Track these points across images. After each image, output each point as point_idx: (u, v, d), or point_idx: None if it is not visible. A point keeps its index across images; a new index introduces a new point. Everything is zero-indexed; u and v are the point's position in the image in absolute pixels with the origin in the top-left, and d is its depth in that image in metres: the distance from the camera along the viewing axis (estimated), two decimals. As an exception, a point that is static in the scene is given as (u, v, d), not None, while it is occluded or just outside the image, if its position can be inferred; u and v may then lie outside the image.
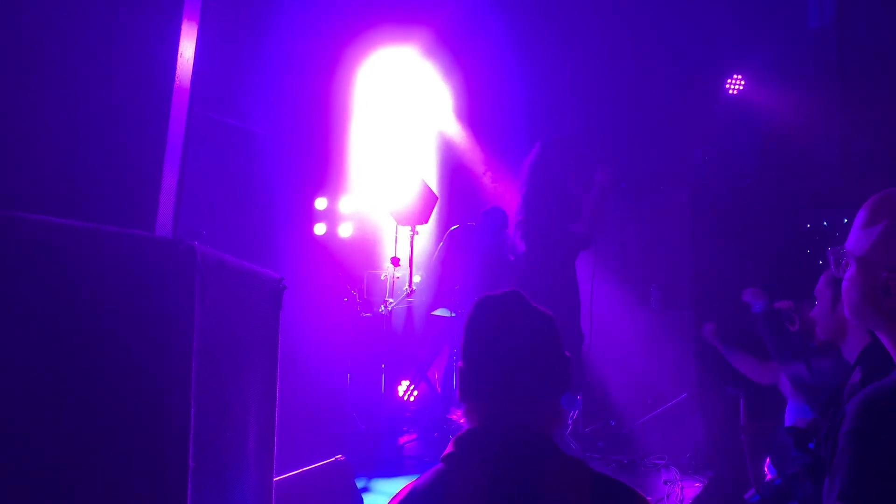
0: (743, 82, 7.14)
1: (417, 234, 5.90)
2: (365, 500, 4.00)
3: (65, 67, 1.66)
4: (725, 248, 6.41)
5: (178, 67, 1.84)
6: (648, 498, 1.46)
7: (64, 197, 1.64)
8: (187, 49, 1.96)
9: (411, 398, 5.89)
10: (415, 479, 1.53)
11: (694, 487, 4.38)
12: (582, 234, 4.26)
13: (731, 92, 7.19)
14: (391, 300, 5.78)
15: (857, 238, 1.34)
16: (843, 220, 6.36)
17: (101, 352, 1.40)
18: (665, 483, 4.38)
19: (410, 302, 6.02)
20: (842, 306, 1.40)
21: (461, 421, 1.54)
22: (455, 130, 6.82)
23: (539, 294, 3.86)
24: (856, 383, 1.86)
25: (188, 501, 1.43)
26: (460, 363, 1.55)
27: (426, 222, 5.91)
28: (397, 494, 1.45)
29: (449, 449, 1.47)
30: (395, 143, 6.61)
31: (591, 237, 4.33)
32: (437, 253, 6.04)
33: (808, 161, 6.96)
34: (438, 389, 5.95)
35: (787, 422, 3.45)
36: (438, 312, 5.70)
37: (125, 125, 1.69)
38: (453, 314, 5.44)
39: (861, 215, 1.35)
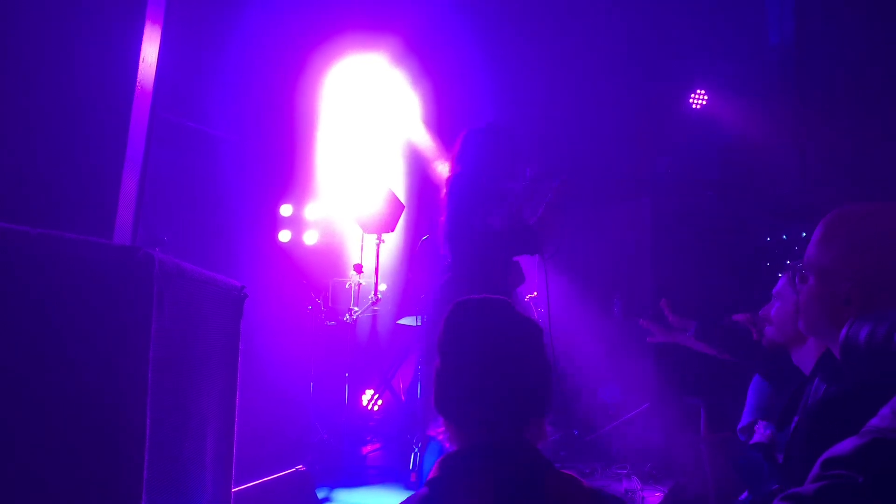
0: (706, 96, 7.29)
1: (384, 242, 5.89)
2: (326, 511, 3.97)
3: (20, 69, 1.63)
4: (686, 259, 6.51)
5: (139, 72, 1.82)
6: None
7: (18, 202, 1.60)
8: (150, 53, 1.93)
9: (375, 407, 5.86)
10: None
11: (655, 497, 4.42)
12: (498, 228, 3.41)
13: (693, 106, 7.32)
14: (356, 308, 5.75)
15: (816, 252, 1.37)
16: (801, 234, 6.50)
17: (54, 360, 1.37)
18: (626, 492, 4.42)
19: (376, 311, 6.00)
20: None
21: (441, 438, 1.44)
22: (423, 139, 6.83)
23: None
24: (820, 396, 1.88)
25: (142, 513, 1.40)
26: (439, 373, 1.42)
27: (393, 231, 5.90)
28: None
29: (434, 473, 1.35)
30: (363, 150, 6.60)
31: (511, 235, 3.51)
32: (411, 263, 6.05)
33: (767, 174, 7.11)
34: (403, 399, 5.93)
35: (744, 417, 3.47)
36: (404, 321, 5.69)
37: (83, 130, 1.66)
38: (419, 323, 5.43)
39: (818, 231, 1.38)
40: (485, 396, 1.36)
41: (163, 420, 1.54)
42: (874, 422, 0.92)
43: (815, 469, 0.93)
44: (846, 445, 0.91)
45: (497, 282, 3.38)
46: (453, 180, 3.56)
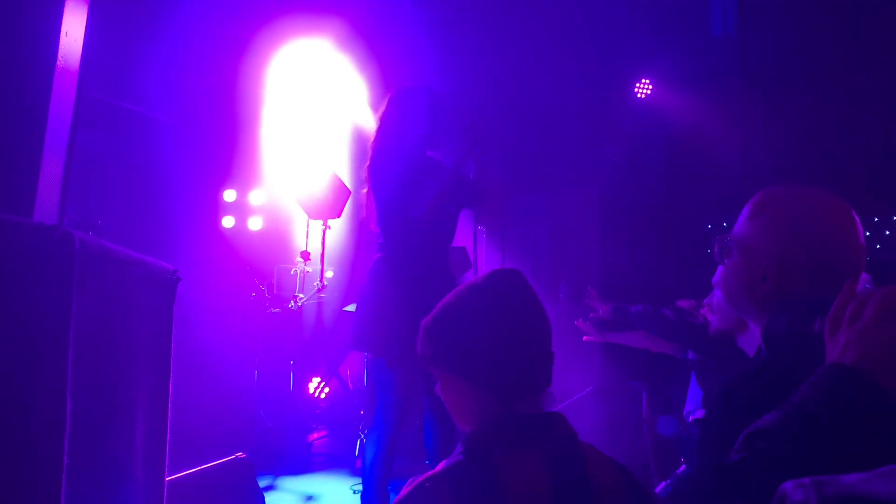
0: (650, 86, 7.39)
1: (329, 228, 5.83)
2: (269, 498, 3.93)
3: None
4: (632, 245, 6.63)
5: (60, 46, 1.74)
6: None
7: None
8: (74, 28, 1.86)
9: (322, 395, 5.82)
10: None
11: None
12: (419, 218, 3.18)
13: (639, 95, 7.42)
14: (301, 295, 5.69)
15: (741, 227, 1.39)
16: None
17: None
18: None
19: (322, 297, 5.95)
20: None
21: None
22: (370, 124, 6.76)
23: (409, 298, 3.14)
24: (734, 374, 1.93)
25: (62, 499, 1.36)
26: (474, 342, 1.38)
27: (339, 216, 5.84)
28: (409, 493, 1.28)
29: (469, 444, 1.33)
30: (309, 135, 6.51)
31: (431, 223, 3.25)
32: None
33: (710, 163, 7.26)
34: (350, 386, 5.89)
35: (689, 403, 3.58)
36: (350, 308, 5.65)
37: (-3, 105, 1.59)
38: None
39: (747, 207, 1.41)
40: (525, 362, 1.40)
41: (86, 407, 1.50)
42: (794, 397, 0.96)
43: (738, 442, 0.96)
44: (768, 419, 0.96)
45: (434, 262, 3.31)
46: (376, 152, 3.36)
